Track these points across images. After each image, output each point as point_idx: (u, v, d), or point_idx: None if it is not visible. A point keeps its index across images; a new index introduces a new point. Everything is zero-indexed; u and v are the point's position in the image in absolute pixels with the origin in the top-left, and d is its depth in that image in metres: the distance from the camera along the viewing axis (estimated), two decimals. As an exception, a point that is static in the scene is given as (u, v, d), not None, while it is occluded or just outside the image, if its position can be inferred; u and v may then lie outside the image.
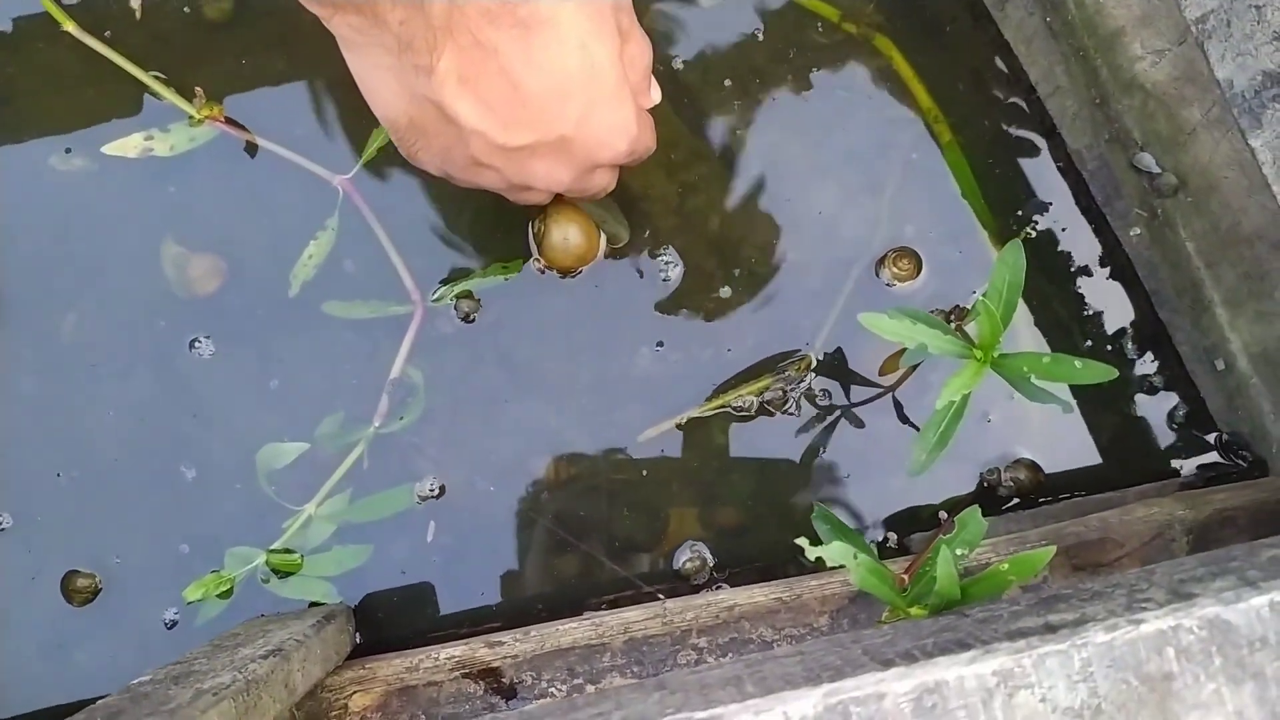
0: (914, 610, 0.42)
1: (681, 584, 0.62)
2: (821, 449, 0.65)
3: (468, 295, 0.63)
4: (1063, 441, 0.65)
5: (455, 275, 0.64)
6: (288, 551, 0.57)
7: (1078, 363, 0.43)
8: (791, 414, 0.64)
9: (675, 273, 0.66)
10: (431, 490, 0.61)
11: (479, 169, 0.49)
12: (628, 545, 0.64)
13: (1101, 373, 0.43)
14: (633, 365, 0.67)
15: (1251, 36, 0.49)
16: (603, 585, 0.64)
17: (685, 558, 0.62)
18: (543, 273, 0.65)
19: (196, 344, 0.64)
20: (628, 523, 0.65)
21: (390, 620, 0.63)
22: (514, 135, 0.45)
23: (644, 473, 0.65)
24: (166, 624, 0.60)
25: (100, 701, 0.42)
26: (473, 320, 0.64)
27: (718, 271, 0.67)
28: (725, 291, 0.67)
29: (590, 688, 0.58)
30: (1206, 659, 0.35)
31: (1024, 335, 0.67)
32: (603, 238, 0.65)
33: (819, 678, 0.36)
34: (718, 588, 0.62)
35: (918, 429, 0.65)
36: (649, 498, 0.65)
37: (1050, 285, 0.67)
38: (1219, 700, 0.35)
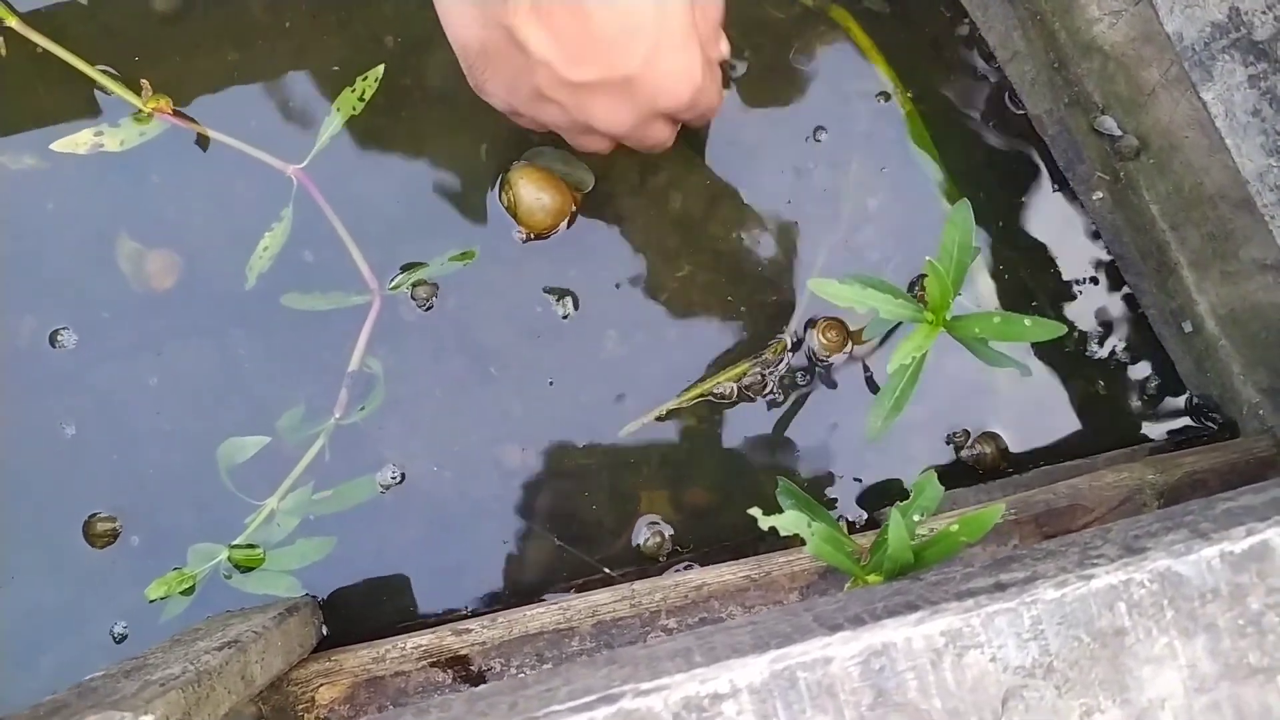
0: (871, 577, 0.41)
1: (648, 563, 0.61)
2: (797, 429, 0.65)
3: (424, 282, 0.62)
4: (1034, 412, 0.65)
5: (413, 263, 0.64)
6: (250, 546, 0.56)
7: (1027, 321, 0.42)
8: (772, 397, 0.63)
9: (637, 255, 0.66)
10: (393, 478, 0.60)
11: (543, 103, 0.49)
12: (598, 530, 0.63)
13: (1051, 329, 0.42)
14: (600, 349, 0.66)
15: (1199, -12, 0.48)
16: (572, 570, 0.63)
17: (645, 535, 0.61)
18: (525, 240, 0.65)
19: (158, 341, 0.64)
20: (597, 508, 0.64)
21: (358, 612, 0.62)
22: (580, 70, 0.46)
23: (613, 457, 0.65)
24: (116, 637, 0.60)
25: (48, 699, 0.42)
26: (431, 307, 0.63)
27: (681, 251, 0.66)
28: (688, 271, 0.66)
29: (559, 672, 0.57)
30: (1158, 612, 0.34)
31: (990, 305, 0.67)
32: (573, 191, 0.65)
33: (767, 645, 0.35)
34: (686, 568, 0.62)
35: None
36: (619, 482, 0.65)
37: (1015, 253, 0.66)
38: (1171, 654, 0.34)
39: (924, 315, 0.44)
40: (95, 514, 0.59)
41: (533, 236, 0.64)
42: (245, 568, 0.56)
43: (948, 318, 0.44)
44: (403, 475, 0.61)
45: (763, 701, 0.34)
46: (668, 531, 0.61)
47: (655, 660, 0.36)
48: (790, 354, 0.65)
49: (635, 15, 0.43)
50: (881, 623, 0.35)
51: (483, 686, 0.41)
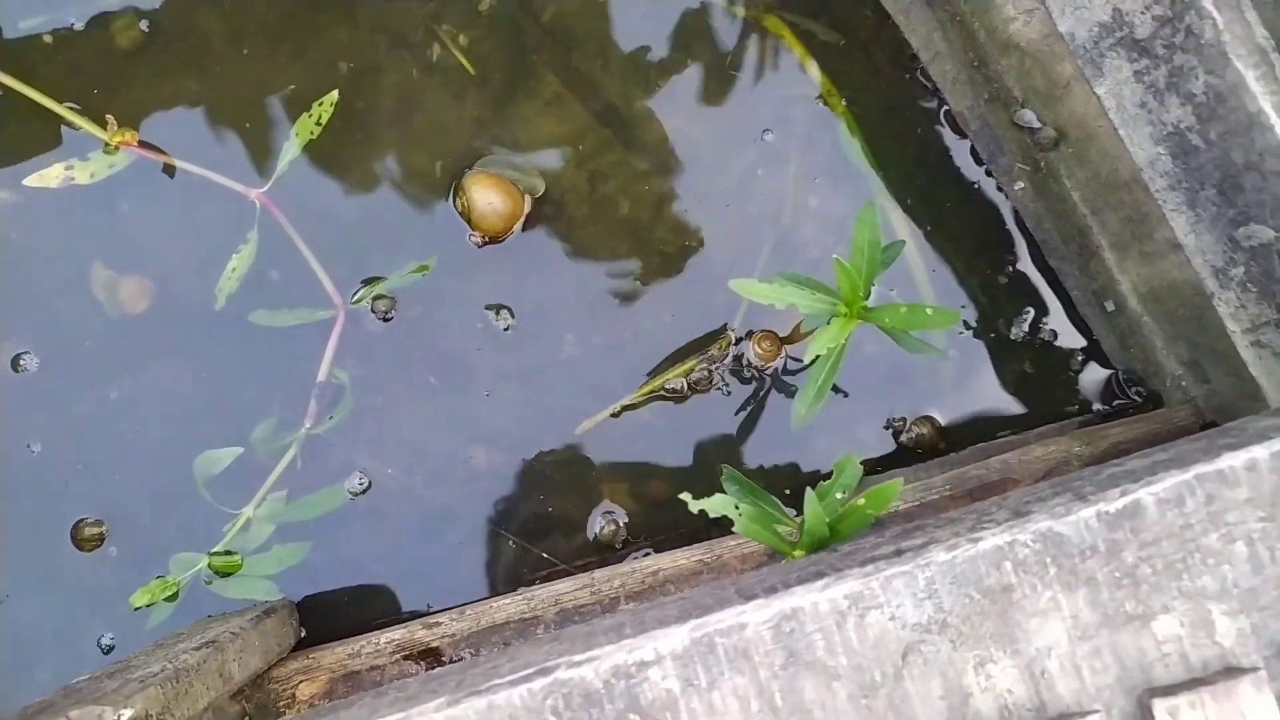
0: (796, 552, 0.45)
1: (606, 551, 0.64)
2: (748, 421, 0.68)
3: (383, 296, 0.65)
4: (969, 394, 0.68)
5: (375, 277, 0.67)
6: (229, 553, 0.59)
7: (929, 310, 0.46)
8: (720, 390, 0.67)
9: (590, 260, 0.69)
10: (361, 484, 0.63)
11: None
12: (562, 523, 0.67)
13: (950, 317, 0.46)
14: (559, 351, 0.69)
15: (1084, -9, 0.51)
16: (537, 561, 0.66)
17: (600, 524, 0.65)
18: (481, 245, 0.68)
19: (134, 362, 0.67)
20: (561, 502, 0.67)
21: (335, 612, 0.65)
22: None
23: (576, 456, 0.68)
24: (103, 648, 0.63)
25: (37, 700, 0.45)
26: (390, 319, 0.66)
27: (633, 255, 0.70)
28: (639, 273, 0.69)
29: (526, 659, 0.60)
30: (1042, 569, 0.38)
31: (926, 295, 0.70)
32: (525, 196, 0.68)
33: (689, 616, 0.39)
34: (644, 555, 0.65)
35: (843, 392, 0.68)
36: (581, 477, 0.68)
37: (948, 243, 0.70)
38: (1056, 606, 0.38)
39: (837, 308, 0.47)
40: (83, 519, 0.63)
41: (487, 240, 0.67)
42: (224, 573, 0.59)
43: (862, 310, 0.47)
44: (370, 483, 0.64)
45: (685, 666, 0.37)
46: (622, 520, 0.65)
47: (591, 635, 0.40)
48: (734, 349, 0.68)
49: None
50: (791, 590, 0.38)
51: (437, 669, 0.45)
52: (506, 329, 0.68)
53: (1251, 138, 0.47)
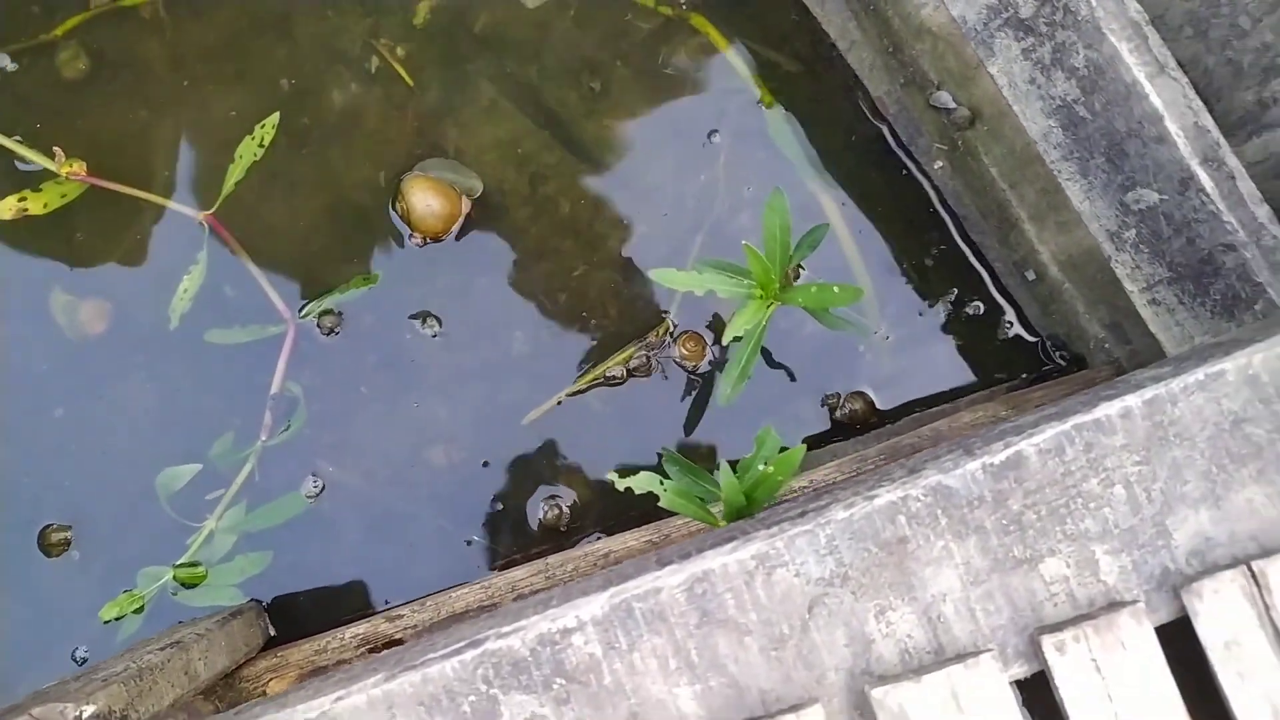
0: (721, 522, 0.47)
1: (556, 536, 0.67)
2: (689, 404, 0.70)
3: (329, 312, 0.67)
4: (903, 369, 0.71)
5: (322, 291, 0.69)
6: (193, 565, 0.62)
7: (836, 288, 0.48)
8: (659, 375, 0.69)
9: (532, 259, 0.71)
10: (316, 487, 0.66)
11: None
12: (516, 511, 0.69)
13: (854, 293, 0.48)
14: (510, 348, 0.72)
15: (970, -24, 0.54)
16: (495, 551, 0.69)
17: (542, 510, 0.67)
18: (422, 245, 0.70)
19: (95, 382, 0.69)
20: (516, 491, 0.70)
21: (303, 612, 0.68)
22: None
23: (528, 446, 0.70)
24: (78, 660, 0.65)
25: (8, 705, 0.47)
26: (336, 331, 0.68)
27: (574, 252, 0.72)
28: (582, 270, 0.72)
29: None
30: (934, 521, 0.40)
31: (860, 275, 0.73)
32: (462, 197, 0.70)
33: (610, 585, 0.41)
34: (596, 538, 0.67)
35: (787, 374, 0.70)
36: (535, 467, 0.70)
37: (877, 224, 0.72)
38: (949, 555, 0.40)
39: (754, 291, 0.50)
40: (49, 525, 0.65)
41: (428, 240, 0.69)
42: (190, 585, 0.61)
43: (778, 293, 0.50)
44: (324, 485, 0.66)
45: (605, 631, 0.40)
46: (566, 503, 0.67)
47: (522, 610, 0.42)
48: (671, 338, 0.70)
49: None
50: (703, 554, 0.41)
51: (384, 653, 0.47)
52: (435, 335, 0.70)
53: (1130, 106, 0.50)
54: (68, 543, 0.65)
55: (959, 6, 0.55)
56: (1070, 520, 0.41)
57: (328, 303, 0.67)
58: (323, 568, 0.68)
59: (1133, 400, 0.41)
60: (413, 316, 0.70)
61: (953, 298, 0.70)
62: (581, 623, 0.40)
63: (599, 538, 0.68)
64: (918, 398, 0.70)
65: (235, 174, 0.68)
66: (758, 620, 0.40)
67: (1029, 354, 0.70)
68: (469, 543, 0.68)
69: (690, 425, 0.70)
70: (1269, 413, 0.41)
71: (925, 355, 0.71)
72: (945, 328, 0.71)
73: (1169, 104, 0.49)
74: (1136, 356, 0.65)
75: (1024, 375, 0.69)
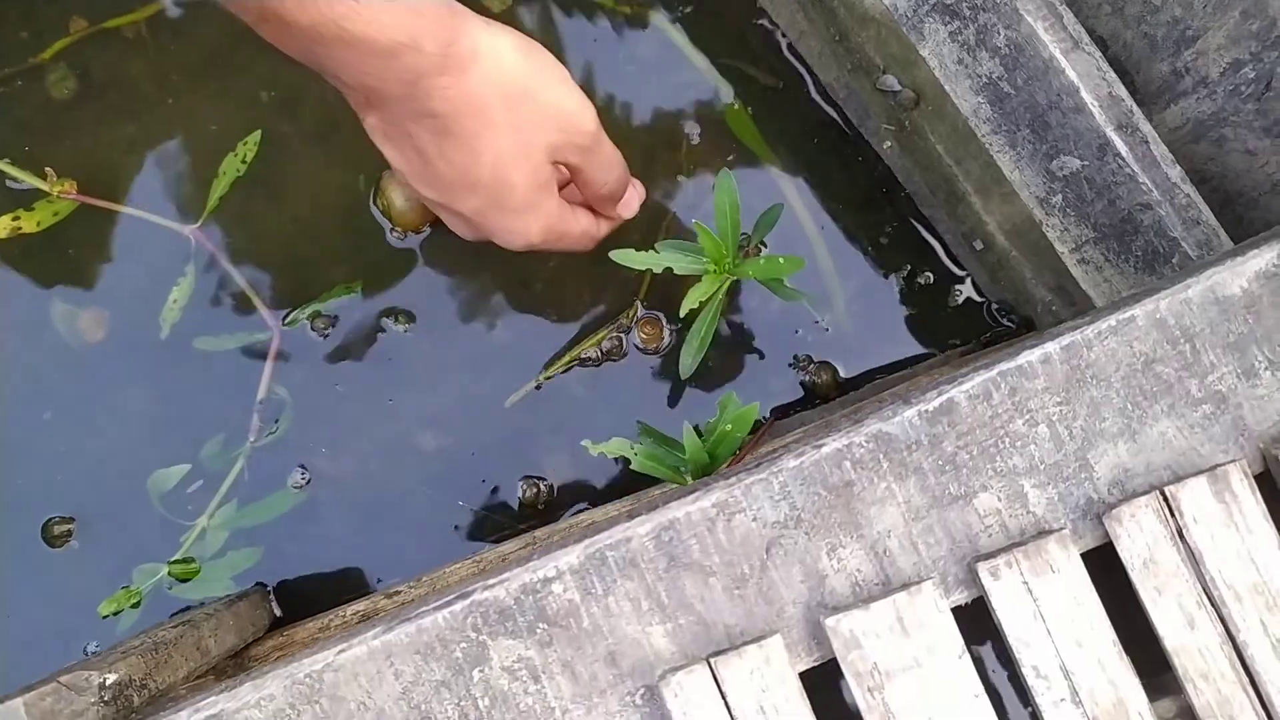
0: (687, 479, 0.51)
1: (530, 512, 0.70)
2: (662, 382, 0.74)
3: (318, 315, 0.71)
4: (862, 340, 0.74)
5: (305, 298, 0.73)
6: (187, 561, 0.65)
7: (781, 259, 0.52)
8: (630, 354, 0.73)
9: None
10: (304, 479, 0.69)
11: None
12: (505, 489, 0.73)
13: (796, 264, 0.52)
14: (491, 336, 0.76)
15: (899, -34, 0.58)
16: (490, 527, 0.73)
17: (521, 489, 0.71)
18: (402, 238, 0.74)
19: (95, 387, 0.73)
20: (504, 471, 0.73)
21: (310, 596, 0.71)
22: (423, 189, 0.53)
23: (513, 428, 0.74)
24: (88, 655, 0.69)
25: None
26: (328, 335, 0.72)
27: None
28: (557, 259, 0.75)
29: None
30: (876, 465, 0.45)
31: (821, 254, 0.76)
32: None
33: (585, 536, 0.45)
34: (581, 510, 0.71)
35: (757, 351, 0.74)
36: (523, 449, 0.74)
37: (835, 204, 0.76)
38: (891, 495, 0.44)
39: (707, 266, 0.54)
40: (53, 518, 0.69)
41: (408, 234, 0.73)
42: (184, 579, 0.65)
43: (730, 266, 0.54)
44: (310, 478, 0.70)
45: (582, 578, 0.44)
46: (544, 483, 0.71)
47: (506, 566, 0.46)
48: (639, 320, 0.73)
49: (471, 178, 0.50)
50: (668, 505, 0.45)
51: (382, 615, 0.51)
52: (406, 331, 0.74)
53: (1049, 81, 0.54)
54: (70, 534, 0.69)
55: (891, -5, 0.59)
56: (1000, 458, 0.45)
57: (311, 310, 0.71)
58: (322, 554, 0.72)
59: (1051, 347, 0.45)
60: (391, 313, 0.74)
61: (907, 270, 0.75)
62: (560, 572, 0.44)
63: (584, 509, 0.71)
64: (878, 366, 0.74)
65: (219, 189, 0.72)
66: (720, 562, 0.44)
67: (980, 319, 0.74)
68: (456, 528, 0.71)
69: (666, 401, 0.74)
70: (1176, 353, 0.45)
71: (884, 325, 0.75)
72: (901, 299, 0.75)
73: (1083, 76, 0.53)
74: (1084, 305, 0.69)
75: (976, 339, 0.74)
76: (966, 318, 0.75)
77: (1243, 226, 0.61)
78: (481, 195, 0.51)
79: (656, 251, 0.53)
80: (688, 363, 0.56)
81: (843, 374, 0.72)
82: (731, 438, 0.49)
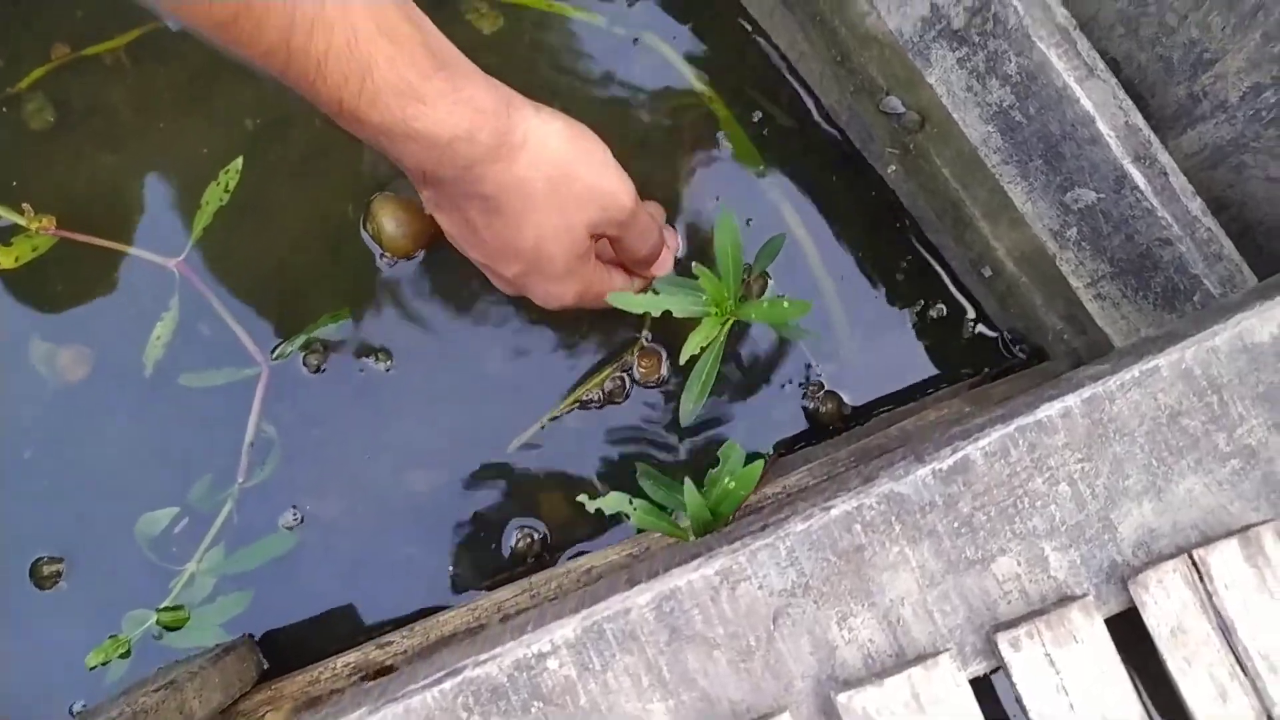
0: (691, 536, 0.49)
1: (536, 566, 0.68)
2: (661, 419, 0.72)
3: (307, 347, 0.69)
4: (871, 371, 0.72)
5: (293, 331, 0.70)
6: (176, 608, 0.63)
7: (786, 303, 0.50)
8: (632, 396, 0.70)
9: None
10: (296, 518, 0.67)
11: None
12: (500, 534, 0.70)
13: (802, 308, 0.50)
14: (485, 371, 0.73)
15: (904, -10, 0.55)
16: (486, 571, 0.70)
17: (515, 538, 0.68)
18: (393, 264, 0.71)
19: (77, 427, 0.70)
20: (500, 515, 0.71)
21: (297, 644, 0.69)
22: (470, 253, 0.58)
23: (510, 470, 0.71)
24: (74, 714, 0.66)
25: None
26: (318, 369, 0.70)
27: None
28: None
29: (476, 665, 0.64)
30: (888, 528, 0.42)
31: (824, 282, 0.74)
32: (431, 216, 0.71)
33: (583, 606, 0.43)
34: (579, 554, 0.69)
35: (760, 380, 0.71)
36: (519, 490, 0.72)
37: (839, 227, 0.74)
38: (904, 559, 0.42)
39: (709, 308, 0.51)
40: (40, 558, 0.67)
41: (398, 260, 0.71)
42: (173, 628, 0.63)
43: (732, 308, 0.51)
44: (303, 518, 0.68)
45: (579, 653, 0.41)
46: (537, 534, 0.68)
47: (499, 636, 0.44)
48: (639, 359, 0.71)
49: (514, 249, 0.54)
50: (670, 573, 0.42)
51: (370, 684, 0.49)
52: (434, 353, 0.72)
53: (1063, 110, 0.52)
54: (59, 575, 0.66)
55: (894, 19, 0.56)
56: (1019, 519, 0.42)
57: (299, 342, 0.69)
58: (311, 601, 0.70)
59: (1072, 400, 0.42)
60: (371, 351, 0.71)
61: (913, 297, 0.72)
62: (555, 646, 0.41)
63: (582, 553, 0.69)
64: (885, 395, 0.72)
65: (202, 221, 0.70)
66: (725, 634, 0.41)
67: (990, 349, 0.72)
68: (452, 569, 0.69)
69: (668, 438, 0.71)
70: (1203, 405, 0.43)
71: (890, 355, 0.72)
72: (907, 326, 0.72)
73: (1099, 105, 0.51)
74: (1095, 347, 0.67)
75: (986, 370, 0.71)
76: (976, 347, 0.72)
77: (1263, 256, 0.59)
78: (523, 263, 0.55)
79: (655, 292, 0.51)
80: (689, 409, 0.54)
81: (848, 402, 0.70)
82: (734, 496, 0.47)
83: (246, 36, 0.41)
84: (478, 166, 0.49)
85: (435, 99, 0.45)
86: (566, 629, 0.42)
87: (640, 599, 0.42)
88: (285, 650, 0.69)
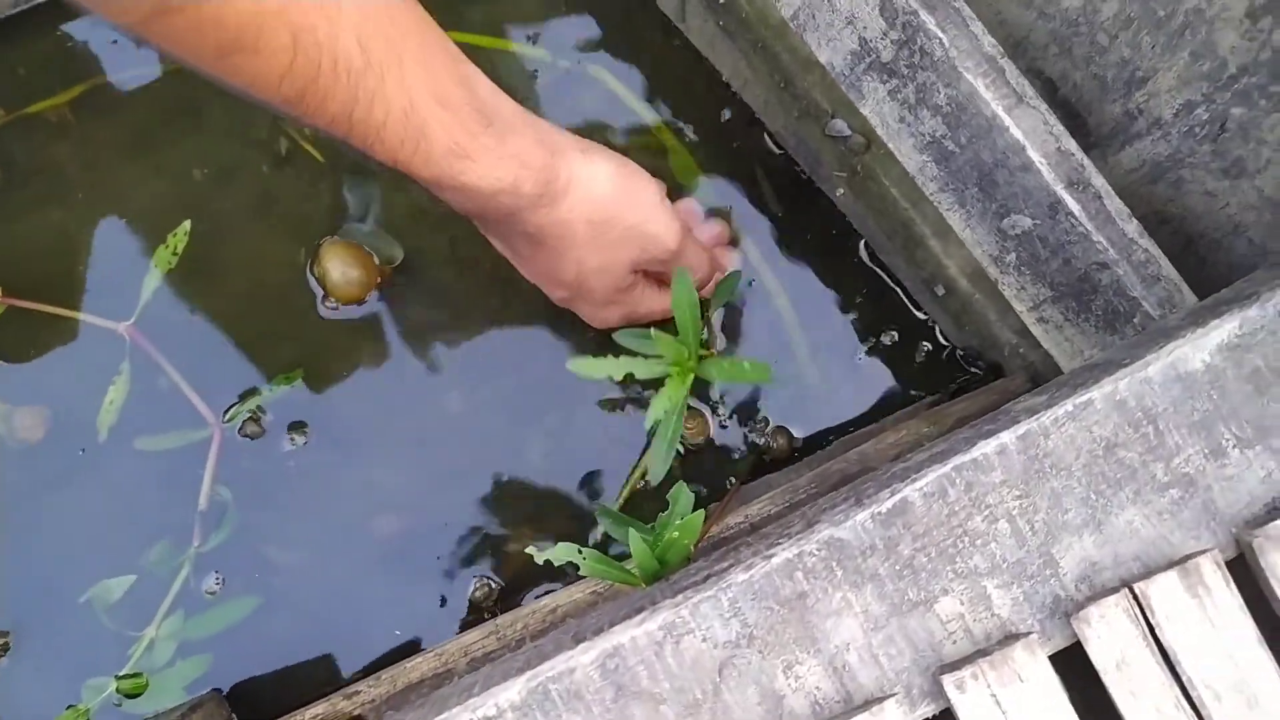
0: (642, 584, 0.49)
1: (493, 613, 0.68)
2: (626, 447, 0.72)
3: (254, 415, 0.68)
4: (827, 400, 0.72)
5: (249, 385, 0.70)
6: (135, 675, 0.63)
7: (746, 365, 0.50)
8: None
9: (461, 317, 0.72)
10: (218, 582, 0.67)
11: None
12: (458, 587, 0.70)
13: (762, 372, 0.50)
14: (444, 409, 0.73)
15: (832, 24, 0.55)
16: (451, 616, 0.70)
17: (472, 587, 0.68)
18: (335, 309, 0.71)
19: (34, 491, 0.70)
20: (467, 557, 0.71)
21: (265, 697, 0.69)
22: (522, 272, 0.62)
23: (475, 512, 0.71)
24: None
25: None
26: (262, 434, 0.69)
27: (501, 308, 0.73)
28: (512, 324, 0.73)
29: (444, 712, 0.64)
30: (830, 573, 0.42)
31: (785, 312, 0.74)
32: (379, 265, 0.71)
33: (529, 666, 0.42)
34: (545, 593, 0.69)
35: (719, 413, 0.71)
36: (487, 531, 0.71)
37: (794, 254, 0.74)
38: (847, 605, 0.42)
39: (670, 370, 0.51)
40: None
41: (341, 305, 0.71)
42: (133, 695, 0.63)
43: (693, 367, 0.51)
44: (224, 580, 0.67)
45: (524, 715, 0.41)
46: (494, 583, 0.68)
47: (445, 699, 0.44)
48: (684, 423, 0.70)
49: (556, 277, 0.58)
50: (614, 629, 0.42)
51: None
52: (397, 394, 0.72)
53: (993, 139, 0.52)
54: (6, 648, 0.66)
55: (825, 53, 0.56)
56: (960, 559, 0.42)
57: (251, 406, 0.68)
58: (278, 653, 0.69)
59: (1007, 437, 0.42)
60: (295, 427, 0.70)
61: (868, 320, 0.72)
62: (501, 710, 0.41)
63: (548, 592, 0.69)
64: (843, 421, 0.72)
65: (151, 284, 0.70)
66: (670, 689, 0.41)
67: (946, 368, 0.72)
68: (416, 618, 0.69)
69: (634, 478, 0.71)
70: (1139, 436, 0.43)
71: (846, 379, 0.72)
72: (864, 350, 0.72)
73: (1029, 133, 0.51)
74: (1049, 361, 0.67)
75: (943, 390, 0.71)
76: (931, 367, 0.72)
77: (1206, 269, 0.59)
78: (568, 290, 0.59)
79: (615, 356, 0.51)
80: (658, 470, 0.54)
81: (798, 435, 0.70)
82: (680, 545, 0.46)
83: (312, 110, 0.43)
84: (521, 213, 0.52)
85: (481, 155, 0.47)
86: (511, 691, 0.41)
87: (584, 658, 0.42)
88: (256, 703, 0.69)
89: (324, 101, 0.43)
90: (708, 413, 0.70)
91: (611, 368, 0.51)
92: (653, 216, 0.55)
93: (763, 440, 0.69)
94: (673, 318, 0.57)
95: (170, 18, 0.37)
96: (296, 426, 0.70)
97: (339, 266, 0.70)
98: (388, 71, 0.43)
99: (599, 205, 0.53)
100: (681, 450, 0.67)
